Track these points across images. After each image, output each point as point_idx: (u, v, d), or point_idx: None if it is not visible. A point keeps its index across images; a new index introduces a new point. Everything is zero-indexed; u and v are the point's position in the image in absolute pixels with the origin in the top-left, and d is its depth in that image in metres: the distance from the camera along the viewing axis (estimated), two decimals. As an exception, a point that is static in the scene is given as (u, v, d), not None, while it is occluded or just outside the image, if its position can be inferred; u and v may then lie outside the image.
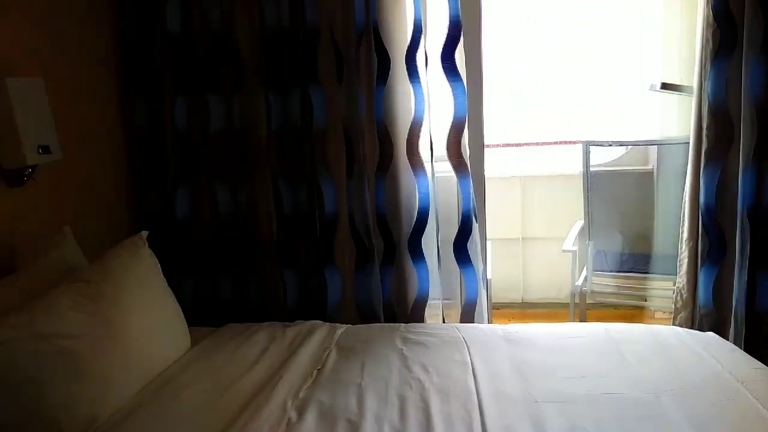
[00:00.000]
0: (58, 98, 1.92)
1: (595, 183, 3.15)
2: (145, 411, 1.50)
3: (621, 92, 3.58)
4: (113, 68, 2.31)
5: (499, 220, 3.87)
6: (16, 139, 1.70)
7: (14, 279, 1.58)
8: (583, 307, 3.40)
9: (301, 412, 1.51)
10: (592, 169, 3.13)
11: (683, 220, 2.27)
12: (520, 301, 3.85)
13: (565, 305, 3.61)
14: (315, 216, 2.34)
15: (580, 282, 3.28)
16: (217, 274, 2.41)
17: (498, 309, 3.70)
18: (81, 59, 2.14)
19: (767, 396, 1.47)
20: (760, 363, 1.65)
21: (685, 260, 2.28)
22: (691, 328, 2.28)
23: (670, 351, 1.73)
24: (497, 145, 3.63)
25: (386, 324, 2.11)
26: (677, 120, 3.20)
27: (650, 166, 3.26)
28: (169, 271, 2.09)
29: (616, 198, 3.22)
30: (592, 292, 3.26)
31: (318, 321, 2.11)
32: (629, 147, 3.36)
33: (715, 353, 1.70)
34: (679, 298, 2.34)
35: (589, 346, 1.79)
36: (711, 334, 1.88)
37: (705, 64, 2.07)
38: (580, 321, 3.43)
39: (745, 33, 1.99)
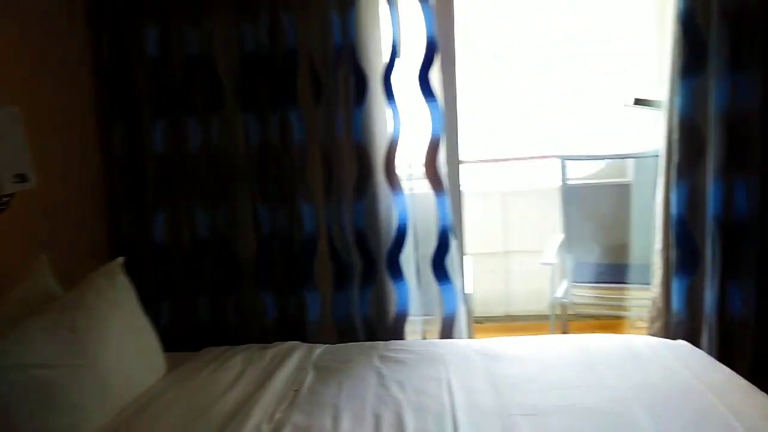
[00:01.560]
0: (35, 125, 1.93)
1: (572, 196, 3.20)
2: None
3: (598, 107, 3.65)
4: (91, 93, 2.33)
5: (481, 235, 3.92)
6: (-8, 168, 1.71)
7: (-11, 308, 1.58)
8: (564, 319, 3.43)
9: (276, 433, 1.52)
10: (570, 182, 3.19)
11: (656, 231, 2.31)
12: (503, 315, 3.88)
13: (547, 317, 3.64)
14: (293, 236, 2.36)
15: (560, 294, 3.32)
16: (196, 296, 2.42)
17: (481, 323, 3.73)
18: (58, 85, 2.15)
19: (737, 404, 1.50)
20: (730, 371, 1.68)
21: (659, 270, 2.32)
22: (666, 336, 2.32)
23: (642, 361, 1.76)
24: (474, 162, 3.67)
25: (365, 342, 2.13)
26: (653, 134, 3.27)
27: (628, 179, 3.31)
28: (148, 295, 2.11)
29: (593, 211, 3.27)
30: (572, 303, 3.30)
31: (296, 342, 2.12)
32: (607, 161, 3.42)
33: (687, 362, 1.73)
34: (653, 307, 2.38)
35: (564, 359, 1.82)
36: (683, 342, 1.91)
37: (674, 79, 2.13)
38: (562, 332, 3.47)
39: (711, 50, 2.06)
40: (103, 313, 1.67)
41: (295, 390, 1.75)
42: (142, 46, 2.28)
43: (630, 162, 3.26)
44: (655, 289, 2.36)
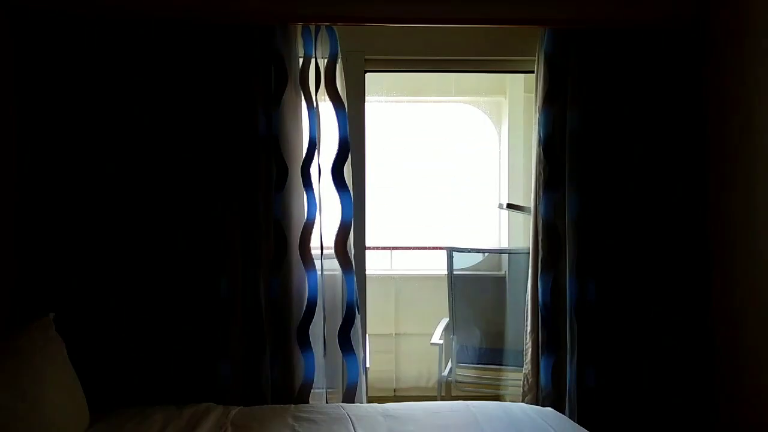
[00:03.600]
0: None
1: (457, 284, 3.62)
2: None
3: (480, 208, 4.23)
4: None
5: (375, 315, 4.22)
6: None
7: None
8: (449, 397, 3.75)
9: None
10: (455, 272, 3.61)
11: (527, 316, 2.73)
12: (393, 392, 4.13)
13: (432, 394, 3.95)
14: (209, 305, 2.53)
15: (446, 373, 3.65)
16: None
17: (372, 401, 3.95)
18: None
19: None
20: (585, 429, 2.05)
21: (530, 350, 2.72)
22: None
23: (516, 421, 2.10)
24: (376, 248, 4.05)
25: (277, 405, 2.30)
26: (523, 233, 3.83)
27: (503, 272, 3.80)
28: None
29: (475, 298, 3.70)
30: (456, 381, 3.64)
31: (211, 403, 2.25)
32: (485, 254, 3.91)
33: (550, 422, 2.10)
34: (525, 382, 2.76)
35: (453, 419, 2.12)
36: (549, 408, 2.29)
37: (539, 190, 2.62)
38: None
39: (567, 170, 2.58)
40: (39, 362, 1.75)
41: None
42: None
43: (505, 257, 3.77)
44: (526, 366, 2.75)
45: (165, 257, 2.48)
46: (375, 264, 4.14)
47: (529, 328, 2.73)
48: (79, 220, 2.45)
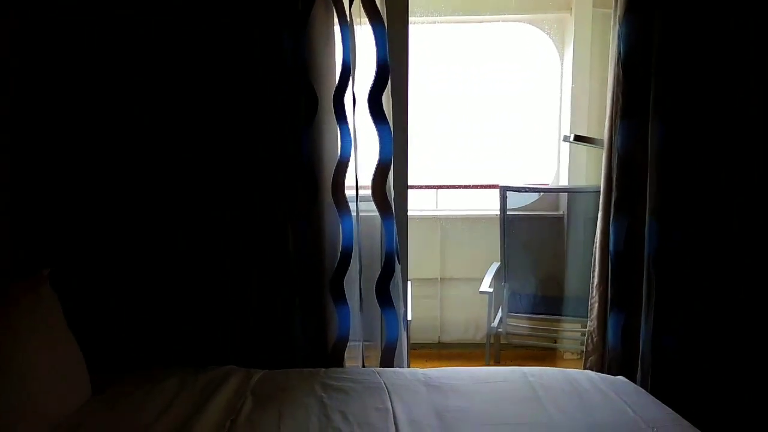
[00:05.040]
0: None
1: (511, 226, 3.26)
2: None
3: (540, 141, 3.77)
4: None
5: (419, 259, 3.93)
6: None
7: None
8: (498, 348, 3.47)
9: (211, 467, 1.42)
10: (509, 213, 3.24)
11: (594, 266, 2.36)
12: (437, 342, 3.88)
13: (479, 345, 3.68)
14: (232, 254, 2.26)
15: (495, 323, 3.35)
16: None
17: (415, 350, 3.71)
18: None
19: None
20: (668, 408, 1.72)
21: (596, 305, 2.37)
22: (601, 370, 2.37)
23: (584, 395, 1.78)
24: (420, 187, 3.68)
25: (305, 369, 2.05)
26: (586, 169, 3.40)
27: (561, 212, 3.40)
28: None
29: (530, 242, 3.34)
30: (507, 333, 3.34)
31: (232, 366, 2.02)
32: (541, 193, 3.51)
33: (625, 397, 1.76)
34: (589, 341, 2.42)
35: (508, 391, 1.81)
36: (621, 378, 1.95)
37: (615, 119, 2.19)
38: (495, 362, 3.50)
39: (652, 92, 2.13)
40: (24, 327, 1.52)
41: (232, 420, 1.65)
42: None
43: (563, 196, 3.36)
44: (591, 323, 2.41)
45: (179, 200, 2.20)
46: (418, 204, 3.78)
47: (596, 280, 2.37)
48: (86, 161, 2.17)
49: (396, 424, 1.62)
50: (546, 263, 3.31)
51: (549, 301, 3.31)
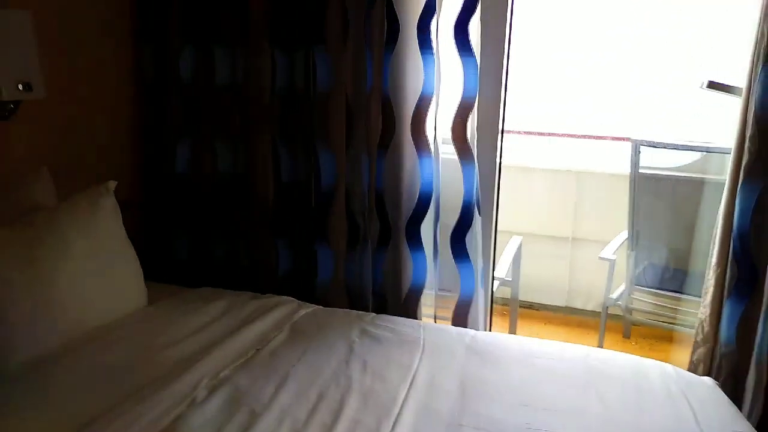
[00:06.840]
0: (50, 35, 1.89)
1: (644, 188, 2.82)
2: (56, 364, 1.46)
3: (674, 89, 3.16)
4: (115, 8, 2.24)
5: (542, 215, 3.62)
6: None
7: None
8: (628, 323, 3.12)
9: (211, 392, 1.42)
10: (643, 172, 2.80)
11: (714, 242, 1.95)
12: (561, 305, 3.59)
13: (592, 314, 3.34)
14: (311, 187, 2.23)
15: (615, 296, 2.99)
16: (211, 234, 2.36)
17: (533, 308, 3.49)
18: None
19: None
20: (748, 424, 1.37)
21: (711, 288, 1.97)
22: (710, 365, 1.99)
23: (644, 392, 1.48)
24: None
25: (354, 311, 1.97)
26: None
27: (705, 175, 2.87)
28: (165, 226, 2.24)
29: (668, 207, 2.88)
30: (628, 308, 2.97)
31: (288, 298, 2.01)
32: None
33: (696, 404, 1.43)
34: (700, 330, 2.03)
35: (554, 371, 1.57)
36: (707, 380, 1.60)
37: (756, 62, 1.72)
38: (624, 337, 3.16)
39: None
40: (73, 233, 1.62)
41: (258, 349, 1.65)
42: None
43: (715, 156, 2.81)
44: (704, 309, 2.01)
45: (263, 130, 2.20)
46: (548, 155, 3.43)
47: (714, 260, 1.96)
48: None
49: (411, 384, 1.49)
50: (680, 232, 2.84)
51: (681, 276, 2.86)
